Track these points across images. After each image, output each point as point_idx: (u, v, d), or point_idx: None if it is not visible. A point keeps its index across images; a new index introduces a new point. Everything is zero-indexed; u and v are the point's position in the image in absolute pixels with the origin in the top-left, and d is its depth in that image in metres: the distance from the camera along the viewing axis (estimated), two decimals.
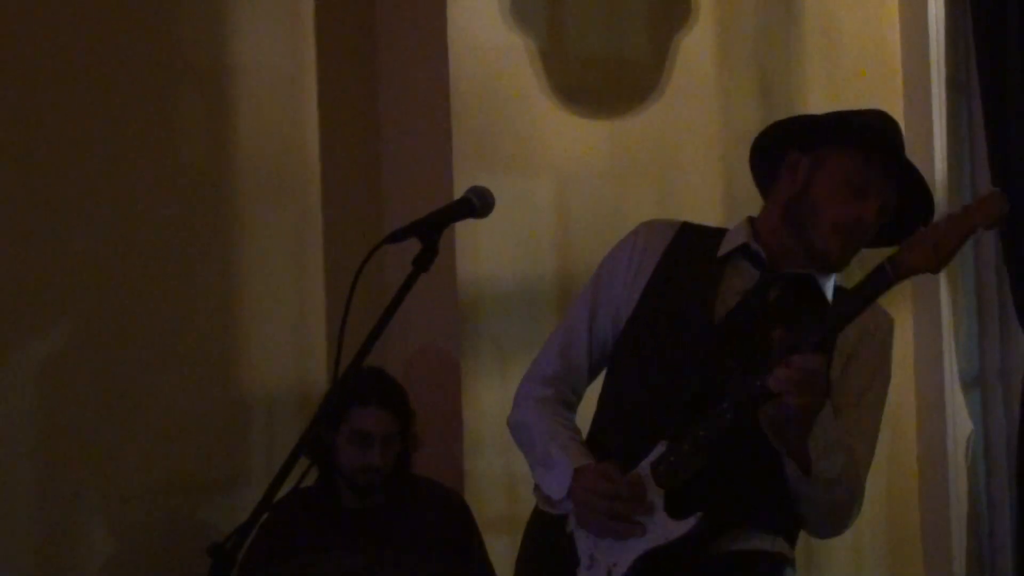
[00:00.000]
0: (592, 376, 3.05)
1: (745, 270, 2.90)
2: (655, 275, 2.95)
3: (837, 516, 2.83)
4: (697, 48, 4.58)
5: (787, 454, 2.71)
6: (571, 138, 4.37)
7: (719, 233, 2.99)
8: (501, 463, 4.20)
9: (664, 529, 2.75)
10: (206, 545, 2.28)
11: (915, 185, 2.89)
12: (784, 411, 2.64)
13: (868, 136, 2.89)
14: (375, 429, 3.76)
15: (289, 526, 3.75)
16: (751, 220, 2.98)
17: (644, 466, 2.79)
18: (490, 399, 4.17)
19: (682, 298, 2.89)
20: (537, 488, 2.98)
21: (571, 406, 3.03)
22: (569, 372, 3.02)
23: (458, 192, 2.63)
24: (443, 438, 4.10)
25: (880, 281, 2.63)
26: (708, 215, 4.54)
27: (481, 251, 4.17)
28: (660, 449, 2.77)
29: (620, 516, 2.78)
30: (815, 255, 2.86)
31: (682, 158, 4.53)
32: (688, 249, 2.97)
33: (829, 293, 2.90)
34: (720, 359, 2.78)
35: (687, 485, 2.74)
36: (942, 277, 4.96)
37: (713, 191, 4.62)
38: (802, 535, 2.95)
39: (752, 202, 4.71)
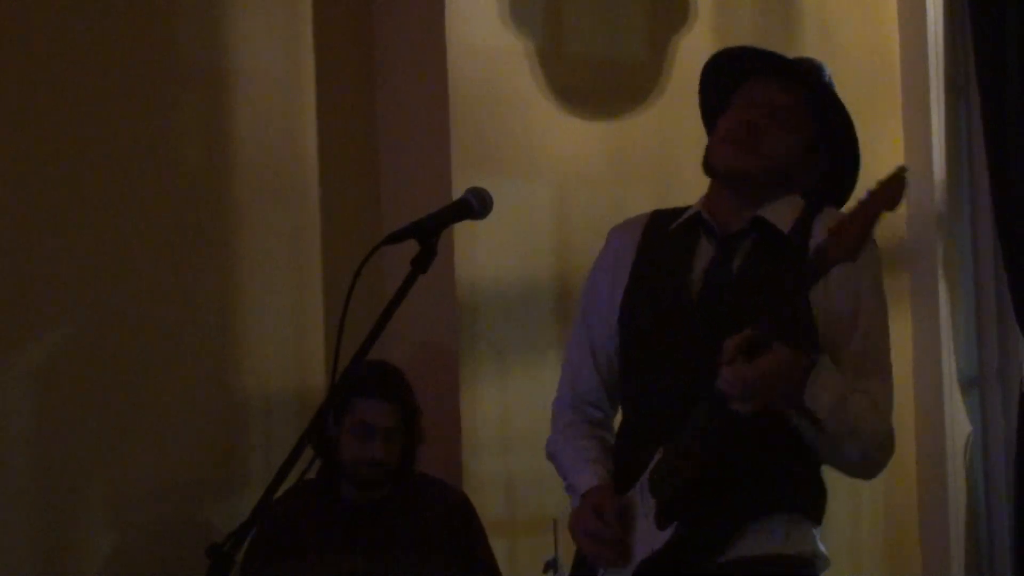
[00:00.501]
0: (613, 391, 3.01)
1: (705, 244, 2.87)
2: (633, 272, 2.93)
3: (873, 455, 2.78)
4: (695, 50, 4.58)
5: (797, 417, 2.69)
6: (569, 139, 4.37)
7: (687, 210, 2.96)
8: (500, 464, 4.20)
9: (651, 540, 2.74)
10: (204, 546, 2.28)
11: (813, 78, 2.89)
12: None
13: (734, 63, 2.92)
14: (377, 421, 3.75)
15: (290, 520, 3.74)
16: (701, 199, 2.96)
17: (644, 475, 2.78)
18: (489, 400, 4.17)
19: (659, 286, 2.87)
20: None
21: (600, 423, 3.01)
22: (586, 394, 3.01)
23: (456, 193, 2.62)
24: (442, 439, 4.10)
25: (809, 272, 2.60)
26: None
27: (480, 252, 4.17)
28: (658, 456, 2.76)
29: (599, 554, 2.79)
30: (729, 177, 2.83)
31: (680, 159, 4.53)
32: (658, 237, 2.94)
33: (791, 216, 2.84)
34: (708, 348, 2.72)
35: (677, 493, 2.72)
36: (940, 277, 4.97)
37: None
38: None
39: None
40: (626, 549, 2.78)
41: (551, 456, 3.04)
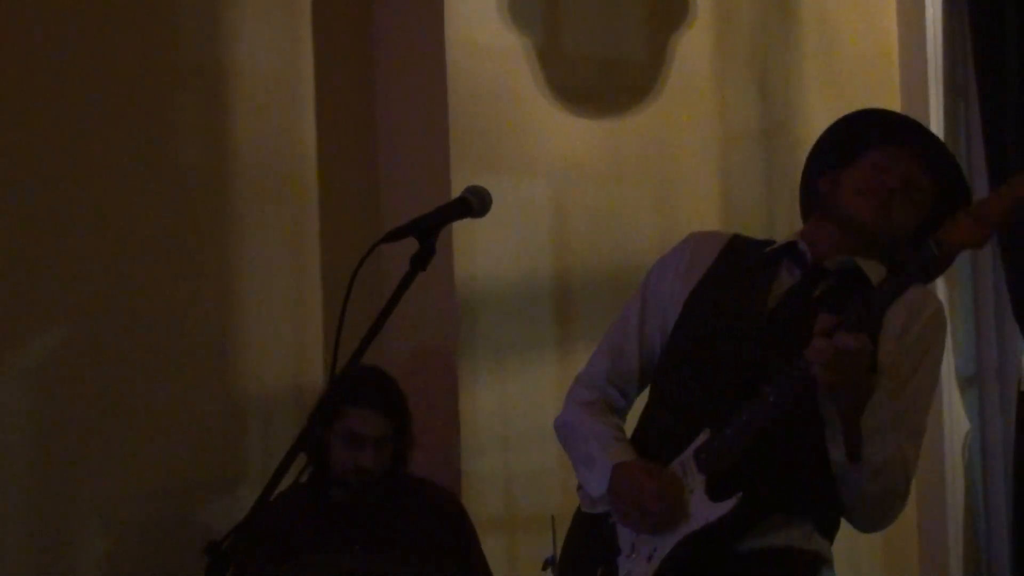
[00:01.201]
0: (643, 383, 3.07)
1: (792, 270, 2.94)
2: (704, 280, 2.98)
3: (882, 507, 2.84)
4: (694, 48, 4.58)
5: (840, 430, 2.73)
6: (568, 138, 4.37)
7: (769, 242, 3.03)
8: (498, 462, 4.20)
9: (704, 512, 2.78)
10: (202, 544, 2.28)
11: (952, 172, 2.94)
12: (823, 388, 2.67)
13: (886, 127, 2.95)
14: (367, 431, 3.75)
15: (282, 523, 3.74)
16: (797, 232, 3.02)
17: (688, 453, 2.82)
18: (487, 398, 4.17)
19: (732, 296, 2.93)
20: (580, 488, 3.02)
21: (619, 411, 3.06)
22: (620, 376, 3.05)
23: (455, 192, 2.63)
24: (440, 437, 4.10)
25: (925, 258, 2.66)
26: (705, 215, 4.54)
27: (478, 251, 4.17)
28: (704, 436, 2.81)
29: (654, 513, 2.81)
30: (850, 225, 2.89)
31: (679, 158, 4.53)
32: (737, 256, 3.01)
33: (876, 279, 2.90)
34: (765, 353, 2.81)
35: (729, 469, 2.77)
36: (941, 279, 4.97)
37: (710, 191, 4.62)
38: None
39: (749, 202, 4.73)
40: (672, 516, 2.81)
41: (565, 426, 3.06)
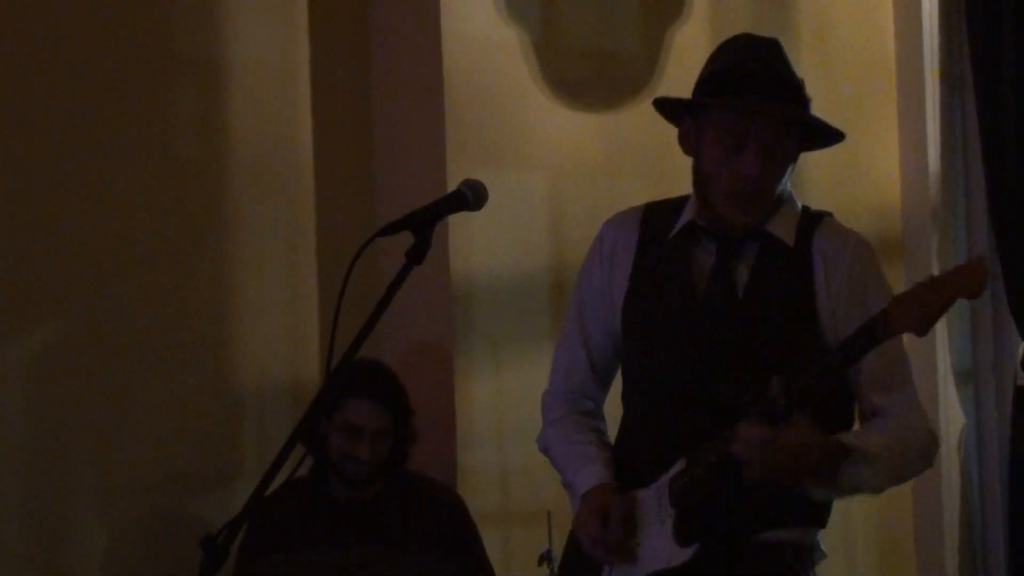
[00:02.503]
0: (606, 382, 3.05)
1: (705, 245, 2.87)
2: (634, 273, 2.93)
3: (915, 467, 2.88)
4: (690, 41, 4.58)
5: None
6: (564, 131, 4.37)
7: (681, 203, 2.94)
8: (494, 457, 4.20)
9: (668, 554, 2.75)
10: (198, 538, 2.28)
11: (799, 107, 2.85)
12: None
13: (722, 84, 2.83)
14: (366, 423, 3.75)
15: (281, 517, 3.74)
16: (692, 206, 2.94)
17: (663, 481, 2.79)
18: (483, 392, 4.17)
19: (662, 295, 2.87)
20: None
21: (593, 413, 3.03)
22: (579, 387, 3.02)
23: (451, 185, 2.63)
24: (436, 432, 4.09)
25: (871, 338, 2.59)
26: None
27: (474, 244, 4.16)
28: (679, 467, 2.77)
29: (604, 556, 2.80)
30: (732, 219, 2.82)
31: (675, 152, 4.48)
32: (656, 233, 2.93)
33: (791, 230, 2.84)
34: (713, 353, 2.77)
35: (698, 508, 2.74)
36: (935, 270, 4.96)
37: None
38: None
39: None
40: (630, 550, 2.80)
41: (545, 450, 3.04)
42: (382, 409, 3.77)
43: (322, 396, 2.73)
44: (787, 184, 2.88)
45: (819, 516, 2.88)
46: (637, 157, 4.49)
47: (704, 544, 2.72)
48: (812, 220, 2.87)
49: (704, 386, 2.77)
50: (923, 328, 2.55)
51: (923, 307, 2.54)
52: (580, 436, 2.97)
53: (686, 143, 2.91)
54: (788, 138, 2.83)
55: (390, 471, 3.81)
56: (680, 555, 2.73)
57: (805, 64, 4.83)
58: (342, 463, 3.76)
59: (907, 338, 5.12)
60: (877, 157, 5.04)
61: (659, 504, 2.78)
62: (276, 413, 4.11)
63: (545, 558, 3.66)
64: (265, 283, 4.14)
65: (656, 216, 2.96)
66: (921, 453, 2.84)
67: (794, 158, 2.87)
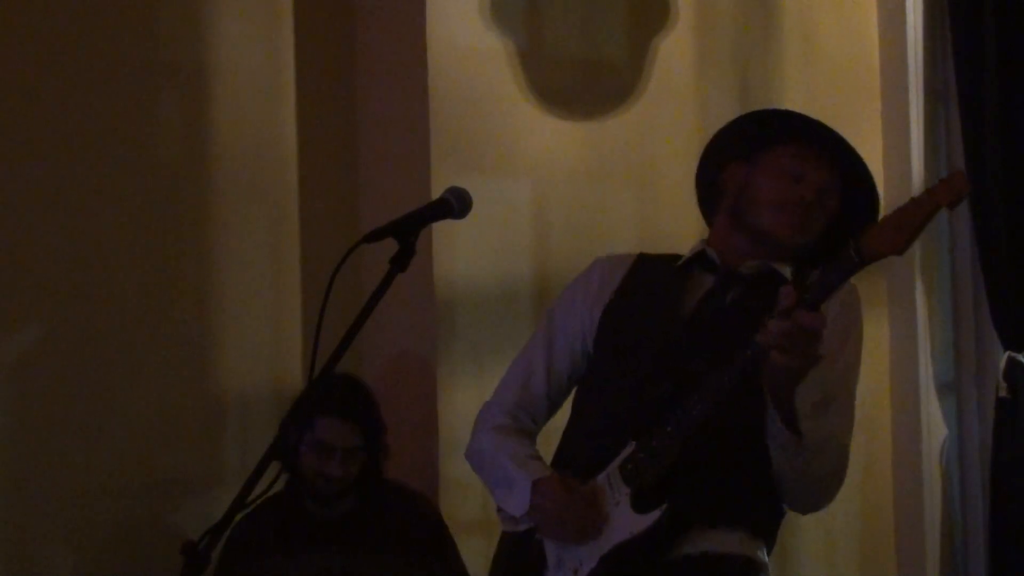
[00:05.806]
0: (552, 409, 3.07)
1: (704, 279, 2.93)
2: (615, 297, 2.97)
3: (822, 485, 2.82)
4: (676, 50, 4.58)
5: (777, 411, 2.69)
6: (549, 140, 4.37)
7: (676, 256, 3.02)
8: None
9: (628, 524, 2.76)
10: (179, 544, 2.27)
11: (859, 174, 2.92)
12: (772, 370, 2.62)
13: (796, 126, 2.93)
14: (336, 441, 3.74)
15: (255, 534, 3.73)
16: (704, 240, 3.01)
17: (613, 466, 2.81)
18: (466, 401, 4.16)
19: (646, 309, 2.92)
20: (500, 510, 2.99)
21: (531, 434, 3.05)
22: (529, 403, 3.04)
23: (435, 193, 2.62)
24: (418, 441, 4.09)
25: (845, 267, 2.61)
26: (686, 217, 4.52)
27: (458, 252, 4.16)
28: (629, 449, 2.79)
29: (574, 525, 2.80)
30: (765, 240, 2.88)
31: (660, 160, 4.53)
32: (647, 272, 3.00)
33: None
34: (685, 362, 2.80)
35: (655, 481, 2.75)
36: (918, 281, 4.97)
37: (691, 193, 4.59)
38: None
39: None
40: (596, 518, 2.80)
41: (478, 454, 3.05)
42: (353, 427, 3.76)
43: (296, 410, 2.74)
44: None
45: (765, 526, 2.88)
46: (622, 165, 4.50)
47: (671, 504, 2.73)
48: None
49: (662, 392, 2.79)
50: (901, 246, 2.57)
51: (899, 228, 2.56)
52: (523, 440, 3.00)
53: (734, 178, 2.95)
54: (835, 192, 2.90)
55: (362, 487, 3.80)
56: (642, 522, 2.75)
57: (789, 75, 4.85)
58: (313, 480, 3.75)
59: (889, 347, 5.12)
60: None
61: (611, 487, 2.80)
62: (258, 420, 4.11)
63: None
64: (248, 289, 4.13)
65: (648, 262, 3.03)
66: (839, 461, 2.81)
67: (832, 217, 2.91)
